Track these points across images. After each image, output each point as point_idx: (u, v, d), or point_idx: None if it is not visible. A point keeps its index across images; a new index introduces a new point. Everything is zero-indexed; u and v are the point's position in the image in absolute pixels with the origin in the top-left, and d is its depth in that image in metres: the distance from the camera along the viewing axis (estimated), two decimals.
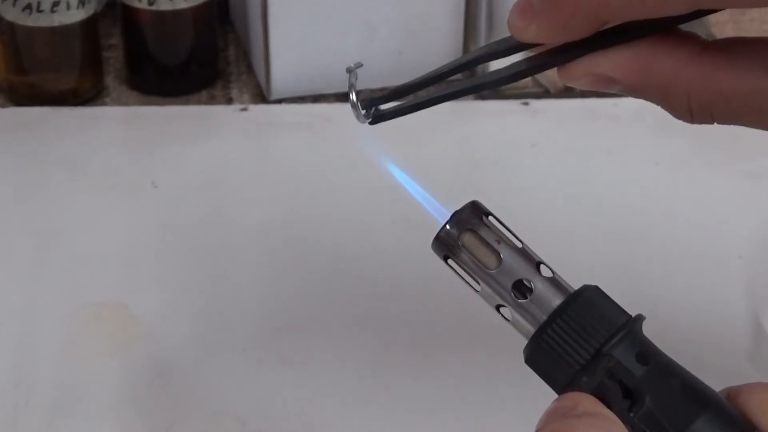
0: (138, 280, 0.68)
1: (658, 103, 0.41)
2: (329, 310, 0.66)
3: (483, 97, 0.86)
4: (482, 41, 0.85)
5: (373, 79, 0.86)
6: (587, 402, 0.39)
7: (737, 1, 0.40)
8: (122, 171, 0.77)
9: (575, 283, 0.41)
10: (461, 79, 0.44)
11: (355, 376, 0.62)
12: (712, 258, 0.70)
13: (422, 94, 0.43)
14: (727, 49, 0.40)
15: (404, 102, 0.44)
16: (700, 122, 0.41)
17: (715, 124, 0.41)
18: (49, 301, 0.67)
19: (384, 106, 0.44)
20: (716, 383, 0.40)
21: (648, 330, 0.41)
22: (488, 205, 0.42)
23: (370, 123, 0.44)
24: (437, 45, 0.87)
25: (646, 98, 0.41)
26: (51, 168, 0.77)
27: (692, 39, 0.40)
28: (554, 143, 0.81)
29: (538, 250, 0.42)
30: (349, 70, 0.43)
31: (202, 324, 0.65)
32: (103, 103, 0.86)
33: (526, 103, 0.83)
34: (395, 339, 0.65)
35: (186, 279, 0.69)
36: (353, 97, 0.43)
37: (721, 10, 0.40)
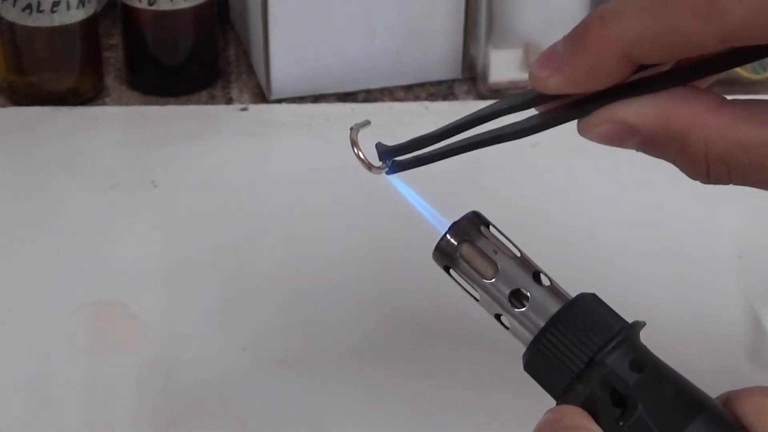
0: (138, 280, 0.68)
1: (674, 159, 0.41)
2: (329, 310, 0.66)
3: (482, 98, 0.86)
4: (482, 41, 0.85)
5: (372, 79, 0.87)
6: (571, 415, 0.39)
7: None
8: (122, 171, 0.77)
9: (575, 284, 0.42)
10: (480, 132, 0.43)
11: (354, 376, 0.62)
12: (711, 258, 0.70)
13: (441, 145, 0.43)
14: (746, 104, 0.40)
15: (423, 152, 0.44)
16: (715, 178, 0.41)
17: (731, 184, 0.41)
18: (49, 301, 0.67)
19: (402, 157, 0.44)
20: (716, 383, 0.40)
21: (647, 331, 0.41)
22: (488, 205, 0.42)
23: (387, 173, 0.44)
24: (437, 45, 0.87)
25: (662, 152, 0.41)
26: (51, 168, 0.77)
27: (712, 94, 0.41)
28: (554, 143, 0.80)
29: (538, 250, 0.42)
30: (354, 129, 0.43)
31: (202, 324, 0.66)
32: (103, 103, 0.86)
33: None
34: (395, 339, 0.65)
35: (186, 279, 0.69)
36: (360, 153, 0.43)
37: (756, 60, 0.40)
